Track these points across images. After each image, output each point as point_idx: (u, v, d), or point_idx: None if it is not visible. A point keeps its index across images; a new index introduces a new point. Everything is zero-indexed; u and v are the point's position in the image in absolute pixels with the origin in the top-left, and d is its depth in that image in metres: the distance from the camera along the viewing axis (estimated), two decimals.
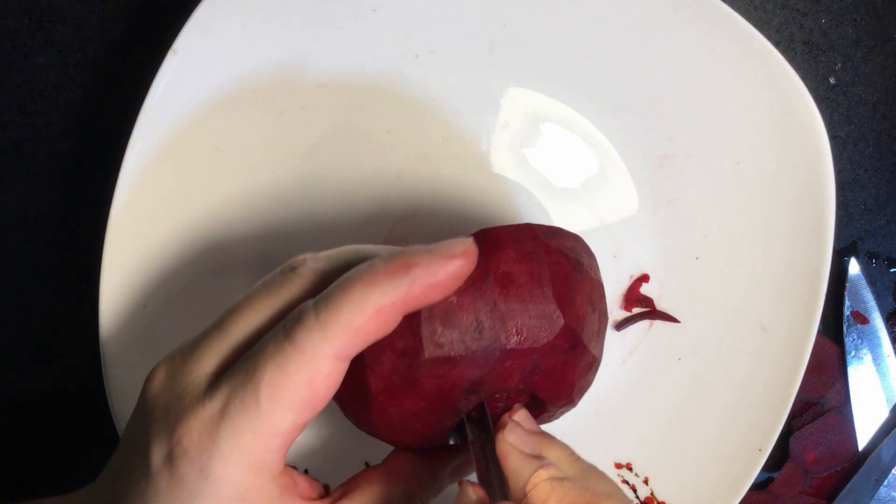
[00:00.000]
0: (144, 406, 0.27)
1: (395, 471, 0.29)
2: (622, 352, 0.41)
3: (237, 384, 0.25)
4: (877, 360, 0.44)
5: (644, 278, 0.40)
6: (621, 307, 0.41)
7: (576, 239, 0.30)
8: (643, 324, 0.41)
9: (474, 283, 0.26)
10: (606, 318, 0.31)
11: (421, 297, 0.25)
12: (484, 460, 0.26)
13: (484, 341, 0.26)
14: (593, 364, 0.29)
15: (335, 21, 0.37)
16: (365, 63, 0.38)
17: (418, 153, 0.39)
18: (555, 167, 0.40)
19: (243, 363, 0.26)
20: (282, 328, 0.25)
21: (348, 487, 0.29)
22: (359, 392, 0.28)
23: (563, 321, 0.27)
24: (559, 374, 0.28)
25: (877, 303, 0.44)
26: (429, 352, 0.26)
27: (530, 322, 0.27)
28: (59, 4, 0.41)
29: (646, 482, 0.40)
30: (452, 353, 0.26)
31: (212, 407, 0.25)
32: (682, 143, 0.39)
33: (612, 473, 0.40)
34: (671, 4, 0.37)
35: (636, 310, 0.41)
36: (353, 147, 0.39)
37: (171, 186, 0.37)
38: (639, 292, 0.40)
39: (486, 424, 0.27)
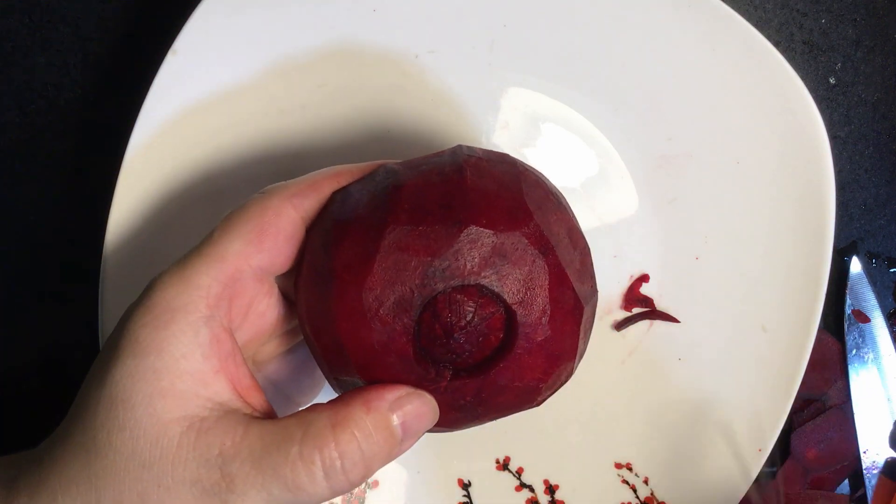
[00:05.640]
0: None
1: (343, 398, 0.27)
2: (622, 352, 0.41)
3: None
4: (878, 359, 0.44)
5: (644, 278, 0.40)
6: (621, 307, 0.41)
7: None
8: (643, 324, 0.41)
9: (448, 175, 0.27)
10: (584, 256, 0.29)
11: None
12: None
13: (451, 218, 0.26)
14: (571, 291, 0.27)
15: (335, 21, 0.37)
16: (365, 63, 0.38)
17: (418, 153, 0.39)
18: (555, 167, 0.40)
19: None
20: None
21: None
22: (322, 283, 0.27)
23: (532, 220, 0.26)
24: (529, 285, 0.26)
25: (878, 302, 0.44)
26: (394, 220, 0.26)
27: (497, 209, 0.26)
28: (59, 4, 0.41)
29: (646, 482, 0.40)
30: (417, 225, 0.26)
31: None
32: (682, 143, 0.39)
33: (612, 473, 0.40)
34: (671, 4, 0.37)
35: (636, 310, 0.41)
36: (353, 147, 0.39)
37: (171, 186, 0.37)
38: (639, 292, 0.40)
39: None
